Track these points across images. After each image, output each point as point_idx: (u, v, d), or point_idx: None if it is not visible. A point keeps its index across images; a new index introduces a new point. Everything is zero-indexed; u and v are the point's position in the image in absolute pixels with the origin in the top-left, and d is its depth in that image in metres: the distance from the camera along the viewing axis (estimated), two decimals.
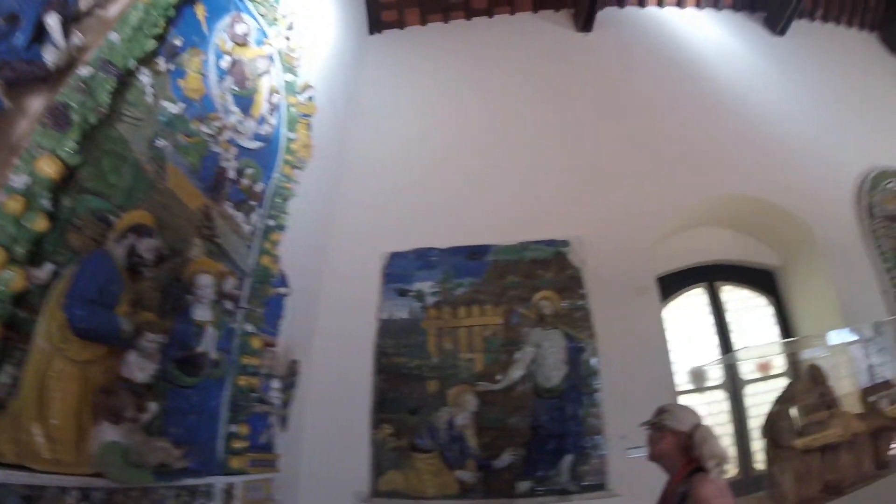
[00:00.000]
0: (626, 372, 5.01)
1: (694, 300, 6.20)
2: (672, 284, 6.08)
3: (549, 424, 4.81)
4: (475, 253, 5.46)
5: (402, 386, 5.08)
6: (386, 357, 5.20)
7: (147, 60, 2.74)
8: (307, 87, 4.65)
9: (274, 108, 4.13)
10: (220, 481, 3.27)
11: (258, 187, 3.92)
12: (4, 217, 1.93)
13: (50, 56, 2.13)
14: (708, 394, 5.72)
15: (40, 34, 2.10)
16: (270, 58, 4.04)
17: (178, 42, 3.04)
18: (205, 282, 3.13)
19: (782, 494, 4.53)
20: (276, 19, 4.06)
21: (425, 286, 5.39)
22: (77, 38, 2.26)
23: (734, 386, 5.66)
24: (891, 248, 5.83)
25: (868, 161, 6.22)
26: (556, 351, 5.03)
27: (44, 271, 2.10)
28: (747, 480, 5.20)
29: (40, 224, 2.05)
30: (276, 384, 4.04)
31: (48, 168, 2.07)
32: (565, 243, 5.39)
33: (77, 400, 2.24)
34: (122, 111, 2.59)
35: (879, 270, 5.72)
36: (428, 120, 6.34)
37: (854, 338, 5.25)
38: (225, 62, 3.53)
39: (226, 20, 3.56)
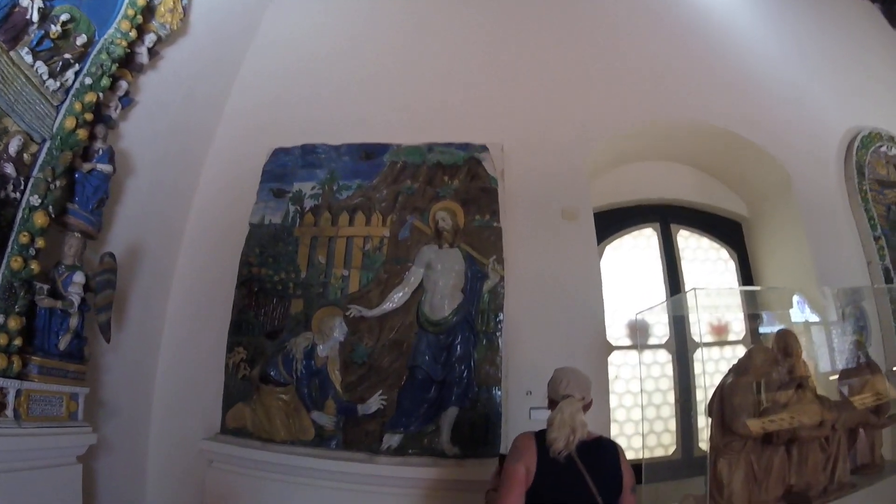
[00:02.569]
0: (541, 312, 4.02)
1: (643, 242, 5.09)
2: (616, 222, 5.01)
3: (430, 366, 3.79)
4: (371, 152, 4.42)
5: (265, 304, 4.10)
6: (248, 268, 4.20)
7: None
8: None
9: None
10: None
11: (80, 40, 3.29)
12: None
13: None
14: (649, 353, 4.65)
15: None
16: None
17: None
18: None
19: (728, 498, 3.39)
20: None
21: (306, 187, 4.37)
22: None
23: (682, 347, 4.56)
24: (881, 214, 4.90)
25: (856, 121, 5.18)
26: (452, 276, 3.97)
27: None
28: (689, 461, 4.15)
29: None
30: (78, 278, 3.15)
31: None
32: (482, 148, 4.31)
33: None
34: None
35: (866, 237, 4.75)
36: (337, 4, 5.30)
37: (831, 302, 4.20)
38: None
39: None
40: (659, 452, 4.37)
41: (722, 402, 3.48)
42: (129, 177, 3.84)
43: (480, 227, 4.07)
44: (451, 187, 4.21)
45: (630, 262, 4.97)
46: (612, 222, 4.97)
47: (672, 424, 4.39)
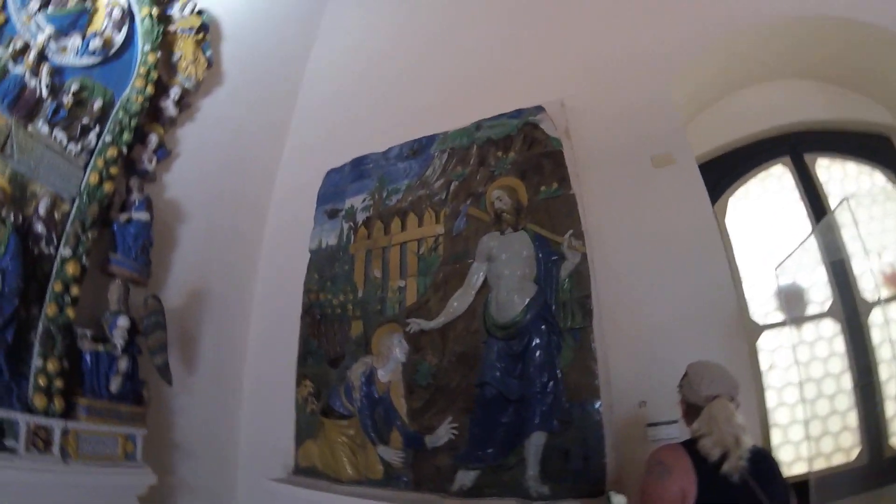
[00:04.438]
0: (645, 293, 3.00)
1: (773, 184, 3.66)
2: (734, 166, 3.71)
3: (502, 382, 3.00)
4: (417, 148, 3.91)
5: (326, 330, 3.76)
6: (309, 295, 3.93)
7: None
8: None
9: (121, 24, 3.63)
10: (24, 419, 2.71)
11: (97, 105, 3.47)
12: None
13: None
14: (808, 328, 3.14)
15: None
16: None
17: None
18: None
19: None
20: None
21: (356, 201, 4.00)
22: None
23: (851, 311, 2.96)
24: None
25: None
26: (519, 264, 3.17)
27: None
28: (879, 466, 2.61)
29: None
30: (121, 322, 3.16)
31: None
32: (537, 110, 3.50)
33: None
34: None
35: None
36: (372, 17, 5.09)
37: None
38: None
39: None
40: (839, 459, 2.85)
41: None
42: (182, 223, 3.91)
43: (548, 200, 3.23)
44: (506, 161, 3.46)
45: (763, 213, 3.57)
46: (729, 168, 3.70)
47: (852, 419, 2.85)
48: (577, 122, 3.41)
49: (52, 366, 2.89)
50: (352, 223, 3.93)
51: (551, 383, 2.89)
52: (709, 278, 2.93)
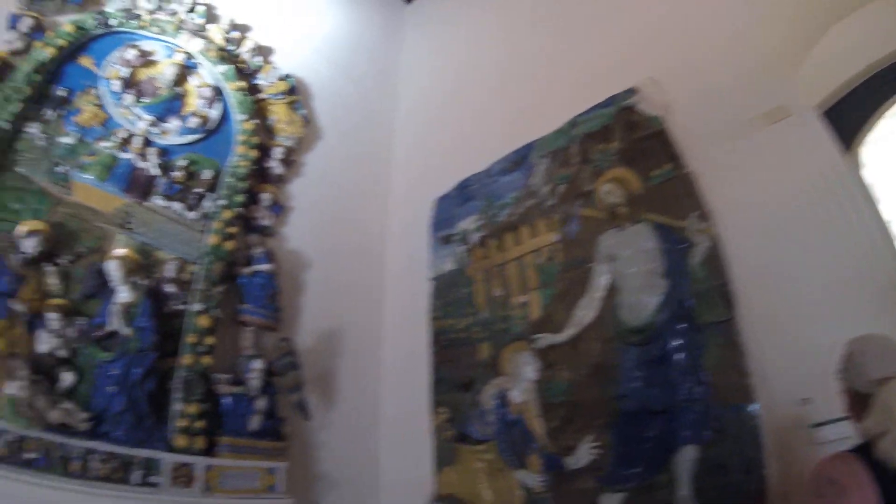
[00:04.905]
0: (789, 271, 2.54)
1: None
2: (862, 103, 2.92)
3: (642, 393, 2.72)
4: (516, 160, 3.78)
5: (454, 356, 3.72)
6: (434, 323, 3.95)
7: (31, 118, 3.24)
8: (267, 69, 4.41)
9: (212, 101, 4.02)
10: (166, 457, 3.04)
11: (206, 175, 3.85)
12: None
13: None
14: None
15: None
16: (189, 61, 4.02)
17: (63, 93, 3.40)
18: (111, 268, 3.19)
19: None
20: (179, 28, 3.99)
21: (467, 223, 3.95)
22: None
23: None
24: None
25: None
26: (642, 259, 2.89)
27: None
28: None
29: None
30: (255, 365, 3.45)
31: None
32: (628, 93, 3.21)
33: None
34: (15, 158, 3.15)
35: None
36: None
37: None
38: (116, 86, 3.63)
39: (115, 55, 3.72)
40: None
41: None
42: (306, 270, 4.16)
43: (662, 184, 2.92)
44: (609, 153, 3.20)
45: None
46: (852, 110, 2.94)
47: None
48: (676, 95, 3.07)
49: (192, 409, 3.21)
50: (466, 246, 3.91)
51: (698, 388, 2.55)
52: (857, 239, 2.42)
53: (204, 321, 3.42)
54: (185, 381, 3.26)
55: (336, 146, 4.72)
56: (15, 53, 3.43)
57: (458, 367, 3.66)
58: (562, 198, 3.40)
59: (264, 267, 3.80)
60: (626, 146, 3.15)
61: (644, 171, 3.02)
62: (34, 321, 2.96)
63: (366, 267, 4.60)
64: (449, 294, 3.92)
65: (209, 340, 3.40)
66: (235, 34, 4.35)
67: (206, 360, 3.36)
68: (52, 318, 2.98)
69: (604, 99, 3.38)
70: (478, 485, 3.29)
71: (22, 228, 3.07)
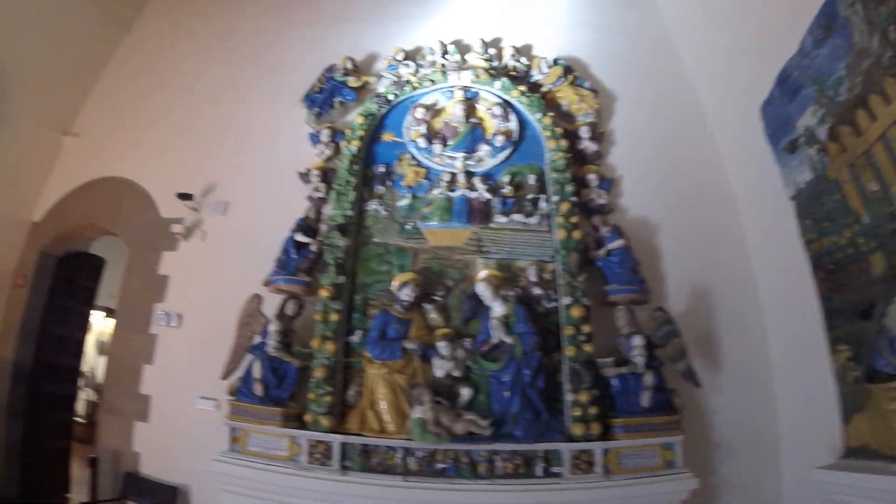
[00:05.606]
0: None
1: None
2: None
3: None
4: (824, 23, 2.89)
5: (843, 279, 3.01)
6: (811, 245, 3.26)
7: (367, 198, 4.18)
8: (536, 63, 4.57)
9: (505, 116, 4.35)
10: (565, 447, 3.35)
11: (531, 179, 4.19)
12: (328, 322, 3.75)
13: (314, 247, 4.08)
14: None
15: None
16: (468, 93, 4.50)
17: (382, 169, 4.29)
18: (480, 289, 3.71)
19: None
20: (443, 72, 4.52)
21: (807, 118, 3.14)
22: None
23: None
24: None
25: None
26: None
27: (353, 337, 3.84)
28: None
29: (335, 316, 3.78)
30: (635, 341, 3.48)
31: (326, 293, 3.81)
32: None
33: (393, 394, 3.58)
34: (368, 233, 4.09)
35: None
36: None
37: None
38: (421, 143, 4.34)
39: (407, 119, 4.45)
40: None
41: None
42: (657, 234, 4.09)
43: None
44: None
45: None
46: None
47: None
48: None
49: (583, 397, 3.43)
50: (817, 145, 3.14)
51: None
52: None
53: (576, 311, 3.65)
54: (572, 371, 3.52)
55: (633, 101, 4.59)
56: (329, 160, 4.42)
57: (850, 291, 2.97)
58: None
59: (616, 244, 3.90)
60: None
61: None
62: (426, 353, 3.63)
63: (714, 209, 4.21)
64: (817, 208, 3.22)
65: (586, 328, 3.62)
66: (492, 51, 4.70)
67: (588, 348, 3.57)
68: (442, 346, 3.58)
69: None
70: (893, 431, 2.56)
71: (395, 283, 3.79)
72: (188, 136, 5.04)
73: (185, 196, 4.53)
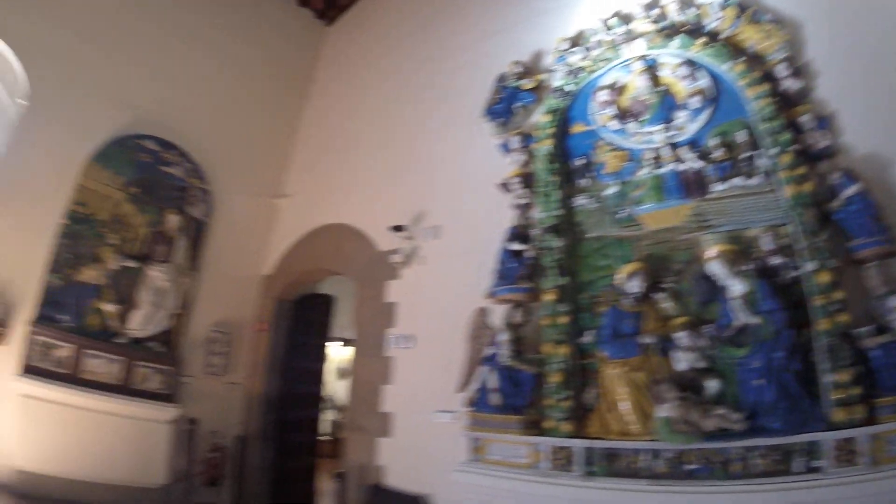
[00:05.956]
0: None
1: None
2: None
3: None
4: None
5: None
6: None
7: (573, 194, 4.17)
8: (704, 10, 4.13)
9: (692, 74, 3.99)
10: (827, 437, 2.93)
11: (741, 136, 3.75)
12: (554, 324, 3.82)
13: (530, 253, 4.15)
14: None
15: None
16: (647, 61, 4.23)
17: (581, 161, 4.24)
18: (714, 268, 3.42)
19: None
20: (614, 47, 4.33)
21: None
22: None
23: None
24: None
25: None
26: None
27: (585, 338, 3.81)
28: None
29: (564, 318, 3.85)
30: (893, 302, 2.95)
31: (551, 296, 3.89)
32: None
33: (634, 394, 3.46)
34: (581, 229, 4.09)
35: None
36: None
37: None
38: (614, 125, 4.19)
39: (592, 107, 4.34)
40: None
41: None
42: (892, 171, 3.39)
43: None
44: None
45: None
46: None
47: None
48: None
49: (843, 376, 2.95)
50: None
51: None
52: None
53: (824, 277, 3.18)
54: (829, 347, 3.05)
55: (825, 20, 3.84)
56: (525, 165, 4.45)
57: None
58: None
59: (851, 190, 3.29)
60: None
61: None
62: (665, 345, 3.43)
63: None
64: None
65: (837, 295, 3.13)
66: (656, 11, 4.33)
67: (843, 318, 3.08)
68: (681, 336, 3.35)
69: None
70: None
71: (620, 276, 3.66)
72: (388, 173, 5.55)
73: (398, 228, 4.96)
